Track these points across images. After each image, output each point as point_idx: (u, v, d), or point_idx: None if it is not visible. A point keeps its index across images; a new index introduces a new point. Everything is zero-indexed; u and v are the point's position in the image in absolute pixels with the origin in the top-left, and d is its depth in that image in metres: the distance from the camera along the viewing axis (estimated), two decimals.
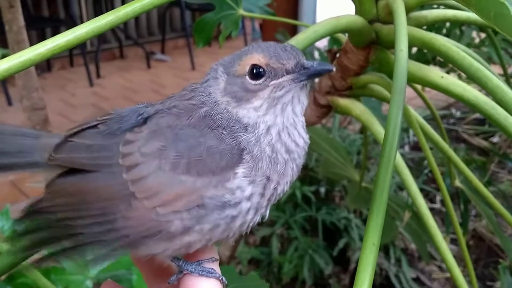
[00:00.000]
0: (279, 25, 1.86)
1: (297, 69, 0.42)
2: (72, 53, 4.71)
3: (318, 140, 1.35)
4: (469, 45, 1.72)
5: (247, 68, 0.42)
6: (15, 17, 1.37)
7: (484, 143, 2.91)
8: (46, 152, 0.44)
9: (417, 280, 2.04)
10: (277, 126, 0.42)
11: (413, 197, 0.76)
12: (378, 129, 0.76)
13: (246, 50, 0.44)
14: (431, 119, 1.79)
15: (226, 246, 1.42)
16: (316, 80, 0.84)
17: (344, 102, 0.82)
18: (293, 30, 2.39)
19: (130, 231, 0.39)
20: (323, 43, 2.04)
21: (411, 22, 0.72)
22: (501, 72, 1.09)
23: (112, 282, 0.49)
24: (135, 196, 0.40)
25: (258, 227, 1.99)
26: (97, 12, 4.87)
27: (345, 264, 2.02)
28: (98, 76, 4.55)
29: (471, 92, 0.60)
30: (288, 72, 0.42)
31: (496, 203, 0.88)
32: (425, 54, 1.54)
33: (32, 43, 0.56)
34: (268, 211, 0.44)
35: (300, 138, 0.44)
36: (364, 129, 1.20)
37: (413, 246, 2.15)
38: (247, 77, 0.42)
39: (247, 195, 0.40)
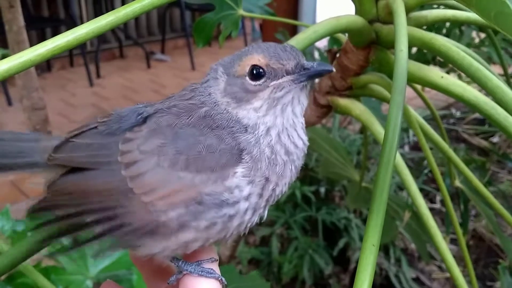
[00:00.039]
0: (279, 25, 1.85)
1: (297, 70, 0.42)
2: (72, 53, 4.71)
3: (318, 140, 1.34)
4: (469, 45, 1.72)
5: (247, 69, 0.42)
6: (15, 17, 1.36)
7: (484, 143, 2.91)
8: (46, 153, 0.45)
9: (417, 280, 2.04)
10: (277, 127, 0.42)
11: (413, 197, 0.76)
12: (378, 129, 0.76)
13: (246, 50, 0.44)
14: (431, 119, 1.79)
15: (226, 246, 1.42)
16: (316, 80, 0.84)
17: (344, 102, 0.82)
18: (293, 30, 2.39)
19: (128, 228, 0.40)
20: (323, 43, 2.04)
21: (411, 22, 0.72)
22: (501, 72, 1.09)
23: (112, 282, 0.49)
24: (134, 192, 0.40)
25: (258, 227, 1.99)
26: (97, 12, 4.88)
27: (345, 264, 2.02)
28: (98, 76, 4.55)
29: (471, 92, 0.60)
30: (288, 73, 0.42)
31: (496, 203, 0.88)
32: (425, 54, 1.54)
33: (32, 43, 0.56)
34: (266, 212, 0.44)
35: (300, 140, 0.44)
36: (364, 129, 1.20)
37: (413, 246, 2.15)
38: (247, 78, 0.42)
39: (245, 195, 0.40)
